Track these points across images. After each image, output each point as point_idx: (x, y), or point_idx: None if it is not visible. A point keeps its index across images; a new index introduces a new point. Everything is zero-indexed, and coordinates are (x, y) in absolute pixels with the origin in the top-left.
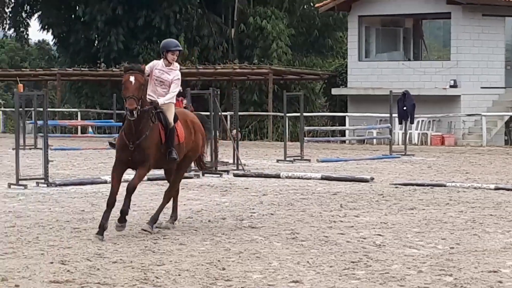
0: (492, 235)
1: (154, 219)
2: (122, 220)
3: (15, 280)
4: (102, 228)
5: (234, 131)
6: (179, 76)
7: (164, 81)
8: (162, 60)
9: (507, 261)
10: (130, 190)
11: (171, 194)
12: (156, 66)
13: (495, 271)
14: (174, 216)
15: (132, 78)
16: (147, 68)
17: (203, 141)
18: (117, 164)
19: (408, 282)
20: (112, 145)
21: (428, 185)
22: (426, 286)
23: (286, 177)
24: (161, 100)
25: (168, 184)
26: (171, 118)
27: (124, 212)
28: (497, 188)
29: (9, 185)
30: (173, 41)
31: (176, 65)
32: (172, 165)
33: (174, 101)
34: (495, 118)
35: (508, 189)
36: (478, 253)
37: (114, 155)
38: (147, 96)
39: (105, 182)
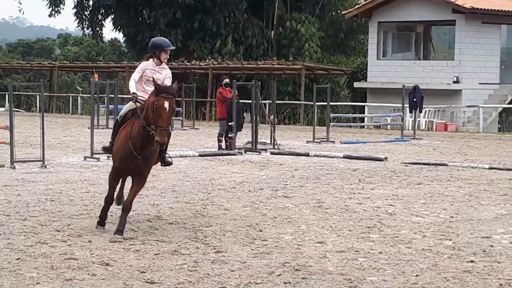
0: (485, 207)
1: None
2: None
3: (89, 236)
4: (102, 220)
5: (272, 117)
6: (170, 74)
7: (156, 80)
8: (152, 60)
9: (498, 229)
10: (128, 208)
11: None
12: (147, 66)
13: (487, 237)
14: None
15: (167, 105)
16: (139, 72)
17: None
18: (117, 174)
19: (414, 245)
20: (106, 150)
21: (432, 164)
22: (429, 248)
23: (314, 156)
24: None
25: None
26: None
27: (120, 232)
28: (490, 168)
29: (85, 158)
30: (166, 41)
31: (165, 65)
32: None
33: None
34: (490, 109)
35: (500, 169)
36: (473, 222)
37: (114, 163)
38: (140, 98)
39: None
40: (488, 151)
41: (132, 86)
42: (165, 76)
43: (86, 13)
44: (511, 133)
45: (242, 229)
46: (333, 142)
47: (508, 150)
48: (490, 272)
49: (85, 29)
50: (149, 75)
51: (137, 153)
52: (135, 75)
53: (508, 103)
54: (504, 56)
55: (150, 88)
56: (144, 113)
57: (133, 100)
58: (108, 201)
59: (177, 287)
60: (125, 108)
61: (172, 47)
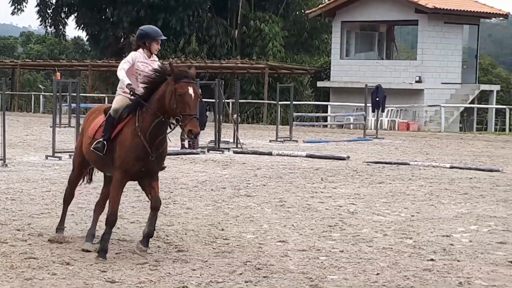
0: (446, 206)
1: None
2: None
3: (49, 236)
4: (105, 252)
5: (235, 116)
6: None
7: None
8: (141, 50)
9: (458, 227)
10: (159, 207)
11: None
12: (138, 59)
13: (447, 236)
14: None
15: (191, 91)
16: (129, 61)
17: None
18: (125, 181)
19: (375, 243)
20: (98, 150)
21: (394, 163)
22: (390, 247)
23: (277, 155)
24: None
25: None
26: None
27: (152, 234)
28: (451, 167)
29: (47, 156)
30: (156, 29)
31: (155, 56)
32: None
33: None
34: (452, 109)
35: (461, 168)
36: (434, 221)
37: (121, 170)
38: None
39: None
40: (450, 151)
41: (125, 76)
42: None
43: (49, 11)
44: (472, 133)
45: (204, 228)
46: (296, 141)
47: (469, 150)
48: (450, 271)
49: (48, 27)
50: (142, 69)
51: (151, 150)
52: (124, 65)
53: (470, 103)
54: (466, 56)
55: (143, 85)
56: (158, 104)
57: (131, 93)
58: (112, 222)
59: (138, 286)
60: (118, 101)
61: (164, 37)
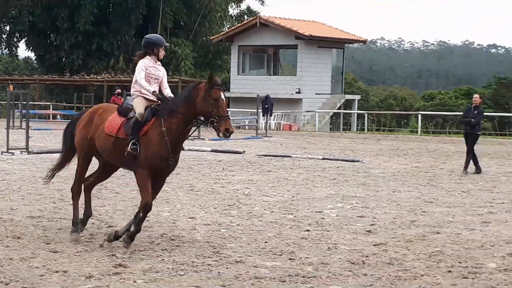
0: (319, 189)
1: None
2: (132, 239)
3: (3, 216)
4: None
5: None
6: (165, 72)
7: (158, 77)
8: (149, 57)
9: (328, 205)
10: (149, 209)
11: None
12: (148, 64)
13: (320, 212)
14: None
15: (223, 96)
16: (143, 69)
17: None
18: (150, 174)
19: (265, 218)
20: (135, 150)
21: (279, 156)
22: (275, 221)
23: (188, 150)
24: (171, 94)
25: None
26: None
27: (137, 232)
28: (323, 158)
29: (1, 152)
30: (160, 37)
31: (159, 62)
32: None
33: None
34: (324, 114)
35: (330, 159)
36: (309, 200)
37: (147, 167)
38: (146, 95)
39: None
40: (322, 146)
41: (147, 85)
42: (163, 73)
43: (3, 36)
44: (339, 132)
45: (129, 208)
46: (203, 139)
47: (337, 145)
48: (321, 239)
49: (2, 49)
50: (153, 73)
51: (172, 154)
52: (142, 74)
53: (337, 109)
54: (334, 73)
55: (155, 87)
56: (186, 108)
57: (157, 98)
58: (148, 209)
59: (76, 255)
60: (139, 104)
61: (167, 44)
